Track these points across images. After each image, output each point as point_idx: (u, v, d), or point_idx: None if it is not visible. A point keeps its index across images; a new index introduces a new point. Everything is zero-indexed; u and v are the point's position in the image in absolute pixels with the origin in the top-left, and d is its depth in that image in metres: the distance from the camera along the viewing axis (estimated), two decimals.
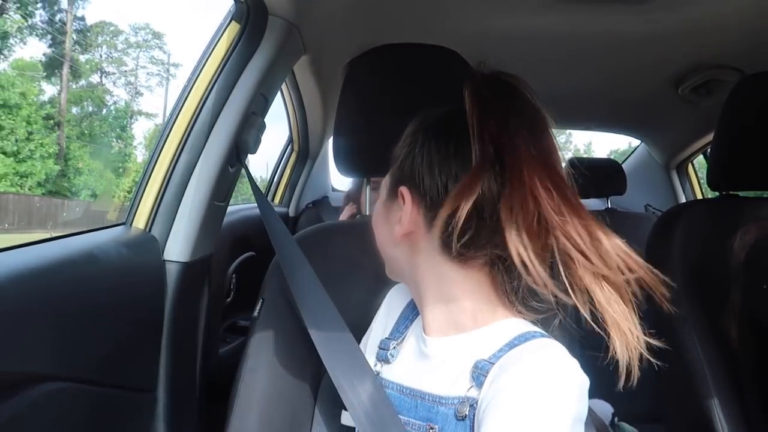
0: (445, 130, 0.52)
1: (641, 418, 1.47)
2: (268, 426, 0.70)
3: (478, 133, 0.47)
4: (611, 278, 0.44)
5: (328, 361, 0.61)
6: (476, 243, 0.49)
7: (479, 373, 0.49)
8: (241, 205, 1.60)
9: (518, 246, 0.44)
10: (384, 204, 0.59)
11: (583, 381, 0.48)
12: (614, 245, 0.45)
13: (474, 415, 0.49)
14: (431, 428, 0.51)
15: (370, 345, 0.64)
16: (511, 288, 0.51)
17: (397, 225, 0.54)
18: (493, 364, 0.49)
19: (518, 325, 0.52)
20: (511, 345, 0.50)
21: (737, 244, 0.76)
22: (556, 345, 0.50)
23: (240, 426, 0.70)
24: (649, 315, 1.03)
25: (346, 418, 0.65)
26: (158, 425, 0.88)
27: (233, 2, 0.98)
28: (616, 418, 1.48)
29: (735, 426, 0.81)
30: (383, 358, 0.60)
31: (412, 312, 0.62)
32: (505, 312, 0.53)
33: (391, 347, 0.60)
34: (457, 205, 0.45)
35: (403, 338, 0.60)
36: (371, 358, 0.61)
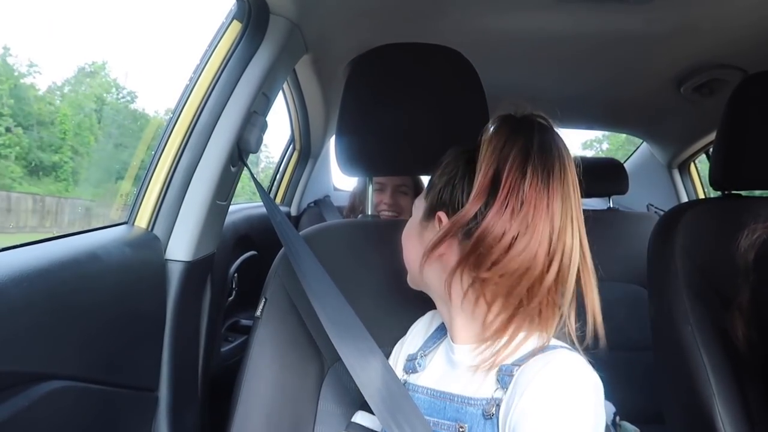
0: None
1: (643, 417, 1.47)
2: (272, 424, 0.71)
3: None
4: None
5: (339, 344, 0.64)
6: None
7: (504, 375, 0.54)
8: (243, 204, 1.60)
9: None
10: (420, 223, 0.63)
11: (601, 387, 0.53)
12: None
13: (499, 414, 0.53)
14: (461, 427, 0.55)
15: (399, 360, 0.70)
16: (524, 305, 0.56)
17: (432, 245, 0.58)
18: (518, 366, 0.54)
19: (540, 337, 0.57)
20: (534, 353, 0.55)
21: (743, 243, 0.75)
22: (576, 355, 0.55)
23: (243, 424, 0.70)
24: (652, 314, 1.04)
25: (359, 417, 0.69)
26: (161, 424, 0.88)
27: (235, 1, 0.98)
28: (618, 418, 1.48)
29: (737, 427, 0.81)
30: (410, 369, 0.65)
31: (441, 333, 0.67)
32: (522, 324, 0.57)
33: (419, 358, 0.65)
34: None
35: (432, 351, 0.66)
36: (398, 371, 0.67)
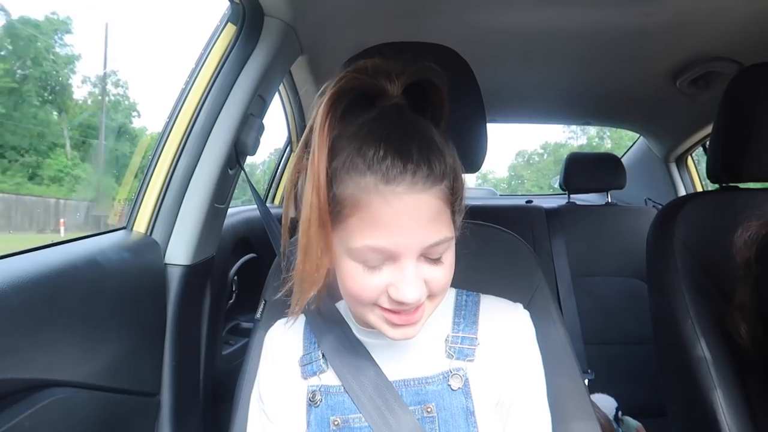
0: None
1: (645, 411, 1.48)
2: None
3: None
4: None
5: (328, 352, 0.59)
6: None
7: (459, 348, 0.56)
8: (242, 207, 1.60)
9: None
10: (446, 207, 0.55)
11: None
12: None
13: (467, 383, 0.55)
14: (428, 409, 0.54)
15: (279, 379, 0.61)
16: None
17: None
18: (472, 337, 0.57)
19: None
20: (465, 315, 0.59)
21: (738, 240, 0.75)
22: (492, 297, 0.61)
23: (244, 427, 0.70)
24: (652, 308, 1.04)
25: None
26: (163, 428, 0.88)
27: (229, 4, 0.98)
28: (620, 412, 1.49)
29: (738, 419, 0.81)
30: (314, 371, 0.59)
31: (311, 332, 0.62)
32: None
33: (316, 359, 0.59)
34: None
35: (331, 349, 0.59)
36: (297, 380, 0.60)
